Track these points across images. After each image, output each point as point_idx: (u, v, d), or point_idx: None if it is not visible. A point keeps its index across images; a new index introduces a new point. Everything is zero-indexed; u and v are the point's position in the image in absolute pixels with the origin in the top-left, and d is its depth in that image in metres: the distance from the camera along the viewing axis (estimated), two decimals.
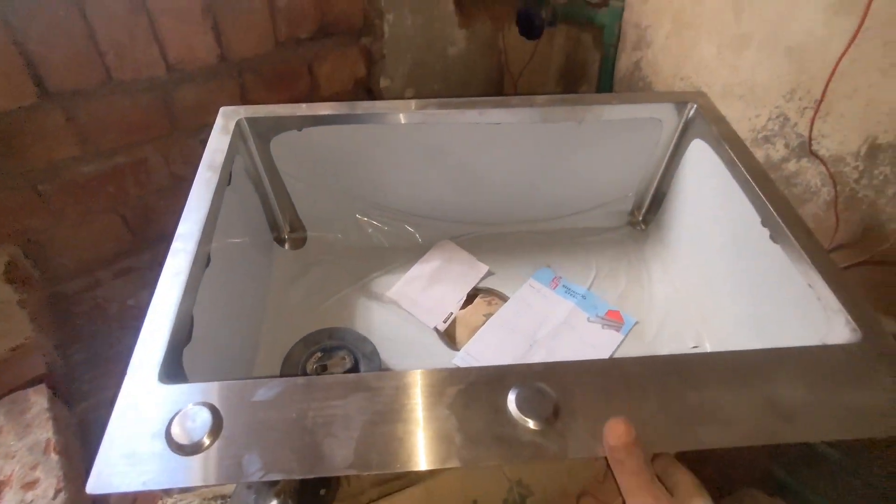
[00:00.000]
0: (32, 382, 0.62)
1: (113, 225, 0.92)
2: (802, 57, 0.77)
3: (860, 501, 0.85)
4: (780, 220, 0.58)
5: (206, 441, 0.41)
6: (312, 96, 0.99)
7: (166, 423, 0.42)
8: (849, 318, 0.49)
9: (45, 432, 0.55)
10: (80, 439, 0.64)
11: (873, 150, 0.74)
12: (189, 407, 0.43)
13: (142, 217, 0.93)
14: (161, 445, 0.41)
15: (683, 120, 0.74)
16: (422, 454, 0.40)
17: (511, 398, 0.43)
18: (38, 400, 0.59)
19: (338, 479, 0.57)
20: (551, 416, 0.43)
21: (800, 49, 0.77)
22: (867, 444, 0.87)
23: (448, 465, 0.41)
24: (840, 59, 0.70)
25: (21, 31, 0.71)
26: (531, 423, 0.42)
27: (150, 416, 0.42)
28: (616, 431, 0.37)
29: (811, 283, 0.53)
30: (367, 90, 1.05)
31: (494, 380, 0.45)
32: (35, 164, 0.79)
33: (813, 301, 0.53)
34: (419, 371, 0.45)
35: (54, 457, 0.53)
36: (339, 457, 0.40)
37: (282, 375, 0.64)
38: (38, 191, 0.81)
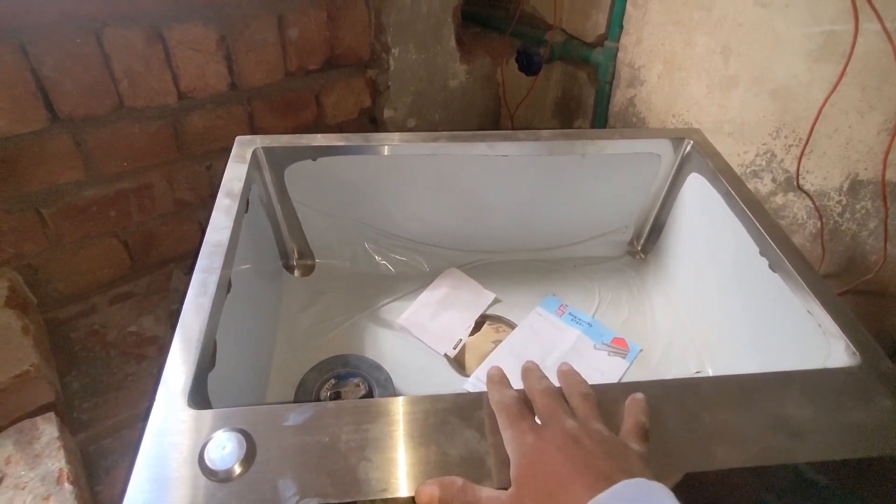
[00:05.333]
0: (39, 411, 0.60)
1: (112, 250, 0.91)
2: (787, 98, 0.82)
3: None
4: (777, 250, 0.61)
5: (241, 467, 0.41)
6: (318, 124, 1.01)
7: (199, 449, 0.42)
8: (848, 343, 0.52)
9: (56, 462, 0.54)
10: (84, 471, 0.62)
11: (854, 186, 0.79)
12: (221, 433, 0.43)
13: (143, 242, 0.93)
14: (195, 471, 0.41)
15: (680, 155, 0.78)
16: (456, 476, 0.41)
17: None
18: (48, 428, 0.57)
19: None
20: None
21: (784, 91, 0.82)
22: (852, 468, 0.90)
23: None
24: (825, 101, 0.75)
25: (36, 58, 0.71)
26: None
27: (182, 441, 0.42)
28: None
29: (810, 309, 0.56)
30: (372, 119, 1.08)
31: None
32: (35, 188, 0.79)
33: (813, 327, 0.55)
34: (448, 395, 0.46)
35: (68, 487, 0.52)
36: (374, 480, 0.41)
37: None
38: (38, 214, 0.81)
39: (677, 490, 0.50)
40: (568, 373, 0.44)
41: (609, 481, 0.29)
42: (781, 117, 0.84)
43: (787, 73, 0.81)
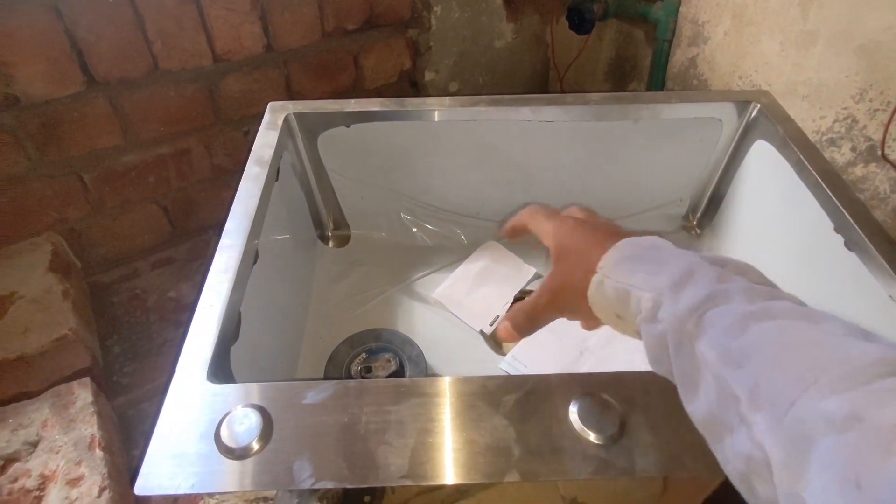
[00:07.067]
0: (75, 375, 0.61)
1: (153, 215, 0.91)
2: (876, 56, 0.72)
3: None
4: (856, 227, 0.54)
5: (256, 445, 0.39)
6: (357, 88, 0.97)
7: (215, 425, 0.40)
8: None
9: (89, 427, 0.54)
10: (118, 435, 0.63)
11: None
12: (239, 409, 0.41)
13: (182, 208, 0.93)
14: (210, 447, 0.39)
15: (745, 120, 0.71)
16: (479, 466, 0.38)
17: (573, 409, 0.41)
18: (83, 393, 0.58)
19: (383, 486, 0.55)
20: (617, 431, 0.40)
21: (873, 47, 0.72)
22: None
23: (507, 479, 0.39)
24: None
25: (71, 20, 0.70)
26: (595, 438, 0.40)
27: (199, 416, 0.41)
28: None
29: (893, 294, 0.50)
30: (412, 82, 1.03)
31: (555, 389, 0.43)
32: (76, 153, 0.79)
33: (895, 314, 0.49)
34: (477, 377, 0.43)
35: (99, 453, 0.52)
36: (394, 466, 0.39)
37: (326, 377, 0.63)
38: (80, 179, 0.81)
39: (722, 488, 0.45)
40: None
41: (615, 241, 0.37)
42: (868, 78, 0.74)
43: (879, 26, 0.71)
